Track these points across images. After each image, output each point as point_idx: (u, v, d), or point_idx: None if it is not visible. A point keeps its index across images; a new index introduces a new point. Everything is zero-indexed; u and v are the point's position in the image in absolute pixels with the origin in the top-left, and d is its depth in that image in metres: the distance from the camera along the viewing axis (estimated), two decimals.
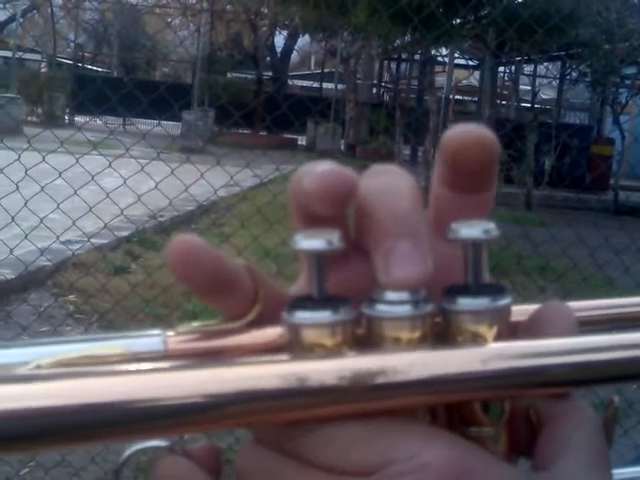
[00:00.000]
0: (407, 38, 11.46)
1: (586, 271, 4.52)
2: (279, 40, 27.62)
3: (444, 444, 0.29)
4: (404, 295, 0.30)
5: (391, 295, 0.30)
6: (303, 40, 28.62)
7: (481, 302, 0.31)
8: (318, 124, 19.89)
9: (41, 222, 2.94)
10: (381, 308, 0.31)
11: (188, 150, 8.70)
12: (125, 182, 3.03)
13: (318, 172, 0.31)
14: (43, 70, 24.66)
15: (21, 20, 27.13)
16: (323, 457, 0.29)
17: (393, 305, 0.30)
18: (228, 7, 24.24)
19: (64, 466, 2.98)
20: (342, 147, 19.96)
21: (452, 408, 0.33)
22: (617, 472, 0.37)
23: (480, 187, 0.34)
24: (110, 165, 3.03)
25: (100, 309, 4.52)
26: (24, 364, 0.31)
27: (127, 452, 0.33)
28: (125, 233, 6.27)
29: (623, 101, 14.69)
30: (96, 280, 4.33)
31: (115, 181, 3.51)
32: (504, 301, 0.31)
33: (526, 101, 18.17)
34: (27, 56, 27.22)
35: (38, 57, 27.28)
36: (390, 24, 8.52)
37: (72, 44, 29.14)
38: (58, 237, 3.11)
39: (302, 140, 20.64)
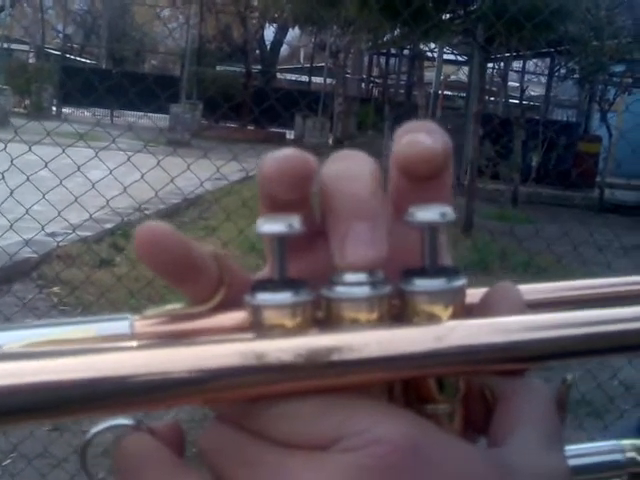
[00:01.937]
0: (397, 32, 11.47)
1: (569, 266, 4.55)
2: (268, 33, 27.59)
3: (396, 420, 0.29)
4: (361, 277, 0.31)
5: (349, 277, 0.31)
6: (292, 34, 28.60)
7: (436, 283, 0.31)
8: (306, 118, 19.85)
9: (27, 212, 2.93)
10: (339, 290, 0.31)
11: (175, 143, 8.66)
12: (111, 172, 3.01)
13: (277, 156, 0.31)
14: (31, 61, 24.49)
15: (10, 10, 26.91)
16: (279, 432, 0.30)
17: (351, 287, 0.31)
18: None
19: (46, 457, 2.96)
20: (330, 141, 19.89)
21: (409, 386, 0.33)
22: (571, 448, 0.38)
23: (436, 177, 0.34)
24: (97, 155, 3.01)
25: (84, 301, 4.51)
26: None
27: (92, 431, 0.33)
28: (109, 225, 6.24)
29: (611, 98, 14.74)
30: (81, 272, 4.32)
31: (101, 174, 3.49)
32: (459, 282, 0.32)
33: (514, 97, 18.20)
34: (15, 46, 27.03)
35: (26, 48, 27.10)
36: (380, 17, 8.53)
37: (60, 35, 28.96)
38: (43, 227, 3.09)
39: (290, 134, 20.59)
